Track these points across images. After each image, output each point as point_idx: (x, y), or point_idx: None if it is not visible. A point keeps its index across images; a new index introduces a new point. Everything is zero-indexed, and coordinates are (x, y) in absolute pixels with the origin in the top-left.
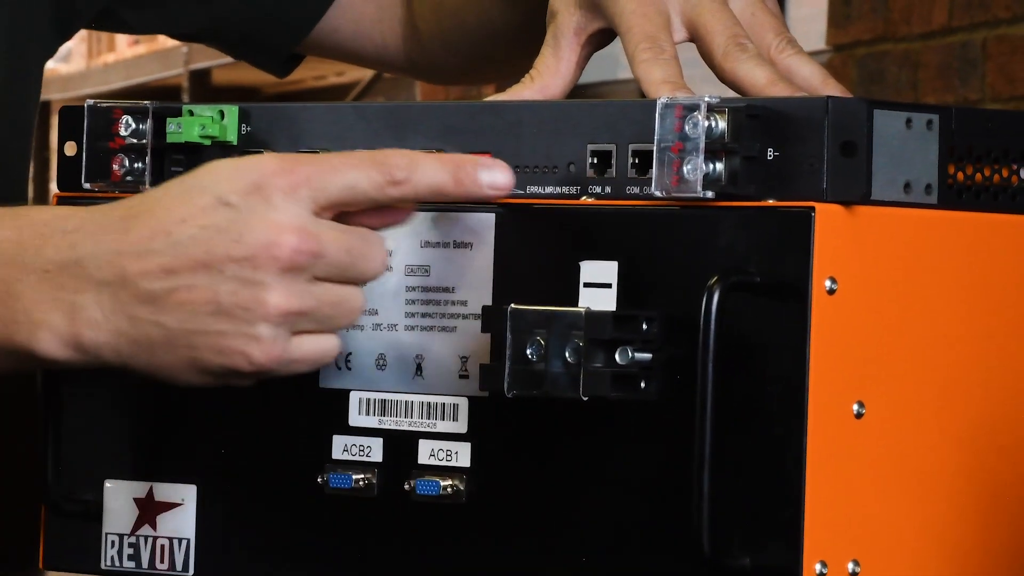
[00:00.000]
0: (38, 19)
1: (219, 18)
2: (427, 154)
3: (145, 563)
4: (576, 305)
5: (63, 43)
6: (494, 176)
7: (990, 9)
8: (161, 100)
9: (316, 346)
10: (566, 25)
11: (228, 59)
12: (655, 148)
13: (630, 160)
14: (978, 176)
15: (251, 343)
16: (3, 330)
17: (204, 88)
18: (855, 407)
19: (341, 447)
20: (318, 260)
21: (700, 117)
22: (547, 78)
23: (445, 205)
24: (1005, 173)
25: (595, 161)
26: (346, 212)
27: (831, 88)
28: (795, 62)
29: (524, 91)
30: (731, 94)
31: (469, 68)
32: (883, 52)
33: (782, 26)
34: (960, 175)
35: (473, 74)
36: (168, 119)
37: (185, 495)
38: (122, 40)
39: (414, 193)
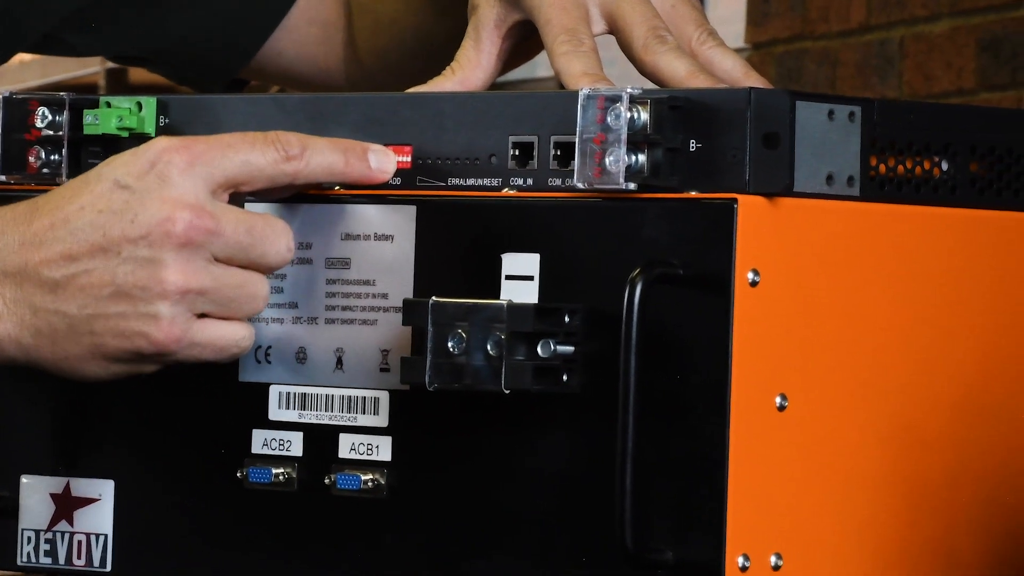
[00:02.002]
0: None
1: (163, 41)
2: (319, 137)
3: (62, 559)
4: (498, 298)
5: (1, 65)
6: (381, 160)
7: (907, 7)
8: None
9: (221, 332)
10: (486, 18)
11: None
12: (577, 140)
13: (552, 152)
14: (900, 168)
15: (150, 323)
16: None
17: (121, 86)
18: (778, 400)
19: (261, 441)
20: (215, 238)
21: (622, 108)
22: (467, 70)
23: (366, 196)
24: (927, 165)
25: (517, 153)
26: (239, 194)
27: (752, 80)
28: (716, 54)
29: (445, 83)
30: (651, 87)
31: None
32: (801, 50)
33: (702, 18)
34: (882, 167)
35: None
36: (85, 111)
37: (103, 490)
38: None
39: (308, 170)
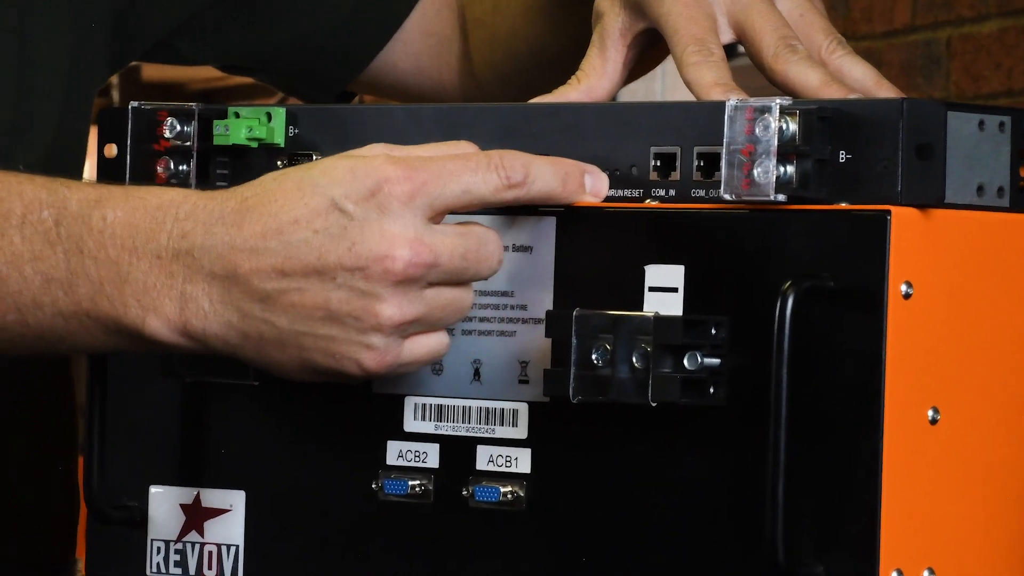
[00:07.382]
0: (96, 48)
1: (274, 50)
2: (539, 157)
3: (192, 570)
4: (640, 310)
5: (113, 74)
6: (596, 184)
7: (954, 8)
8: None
9: (426, 347)
10: (611, 26)
11: None
12: (724, 151)
13: (695, 162)
14: None
15: (362, 351)
16: (114, 311)
17: (134, 84)
18: (930, 413)
19: (396, 453)
20: (431, 270)
21: (772, 119)
22: (593, 79)
23: (504, 208)
24: None
25: (658, 163)
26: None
27: (885, 89)
28: (846, 63)
29: (570, 93)
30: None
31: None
32: None
33: (831, 27)
34: None
35: None
36: (215, 121)
37: (234, 501)
38: None
39: (527, 196)
